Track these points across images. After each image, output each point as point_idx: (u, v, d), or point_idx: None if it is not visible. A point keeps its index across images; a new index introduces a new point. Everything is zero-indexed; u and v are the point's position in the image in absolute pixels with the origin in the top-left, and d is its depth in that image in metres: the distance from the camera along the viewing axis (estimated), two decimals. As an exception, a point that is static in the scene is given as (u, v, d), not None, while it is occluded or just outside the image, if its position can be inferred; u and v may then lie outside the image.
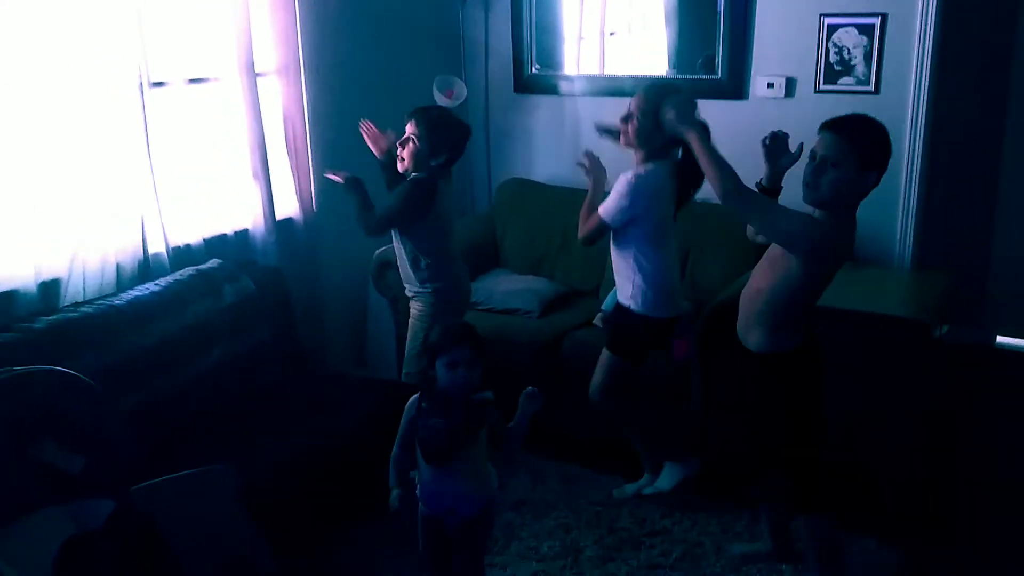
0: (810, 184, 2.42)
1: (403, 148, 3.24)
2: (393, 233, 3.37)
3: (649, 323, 3.23)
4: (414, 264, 3.34)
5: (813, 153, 2.43)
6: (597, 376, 3.30)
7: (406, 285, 3.43)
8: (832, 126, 2.43)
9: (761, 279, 2.60)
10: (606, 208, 3.14)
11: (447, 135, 3.26)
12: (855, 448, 3.29)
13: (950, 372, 3.95)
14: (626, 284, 3.22)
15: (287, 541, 2.75)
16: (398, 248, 3.39)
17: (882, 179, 3.72)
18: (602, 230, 3.18)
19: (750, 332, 2.65)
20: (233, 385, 3.24)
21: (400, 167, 3.29)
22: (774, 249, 2.58)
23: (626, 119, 3.12)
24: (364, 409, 3.26)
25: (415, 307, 3.41)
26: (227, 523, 2.44)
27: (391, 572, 3.01)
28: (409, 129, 3.23)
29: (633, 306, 3.21)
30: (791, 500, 2.79)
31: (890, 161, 3.71)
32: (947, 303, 3.63)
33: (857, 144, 2.40)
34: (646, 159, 3.12)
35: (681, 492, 3.37)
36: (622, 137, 3.15)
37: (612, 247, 3.24)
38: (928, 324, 3.20)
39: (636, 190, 3.08)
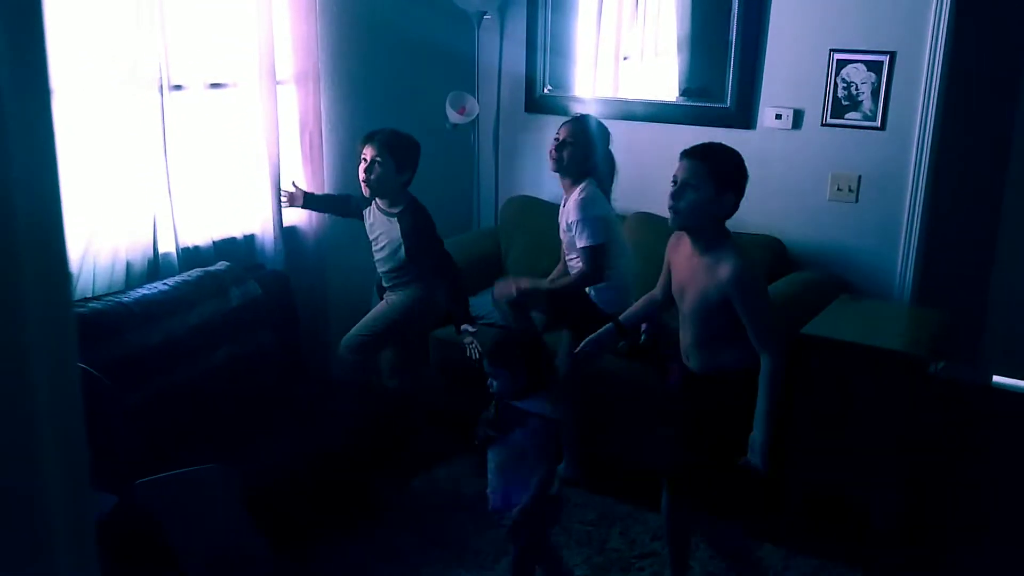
0: (672, 208, 2.55)
1: (367, 173, 3.26)
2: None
3: None
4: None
5: (675, 178, 2.56)
6: None
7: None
8: (690, 153, 2.57)
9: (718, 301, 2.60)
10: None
11: (406, 152, 3.30)
12: (845, 480, 3.32)
13: (944, 409, 3.97)
14: None
15: (282, 540, 2.78)
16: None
17: (885, 213, 3.83)
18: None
19: (722, 352, 2.65)
20: (235, 386, 3.26)
21: (365, 191, 3.32)
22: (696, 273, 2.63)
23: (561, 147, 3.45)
24: (362, 416, 3.31)
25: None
26: (226, 520, 2.46)
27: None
28: (368, 153, 3.25)
29: None
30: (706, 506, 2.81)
31: (893, 195, 3.81)
32: (944, 339, 3.66)
33: (713, 167, 2.53)
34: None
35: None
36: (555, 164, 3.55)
37: None
38: (923, 360, 3.22)
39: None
